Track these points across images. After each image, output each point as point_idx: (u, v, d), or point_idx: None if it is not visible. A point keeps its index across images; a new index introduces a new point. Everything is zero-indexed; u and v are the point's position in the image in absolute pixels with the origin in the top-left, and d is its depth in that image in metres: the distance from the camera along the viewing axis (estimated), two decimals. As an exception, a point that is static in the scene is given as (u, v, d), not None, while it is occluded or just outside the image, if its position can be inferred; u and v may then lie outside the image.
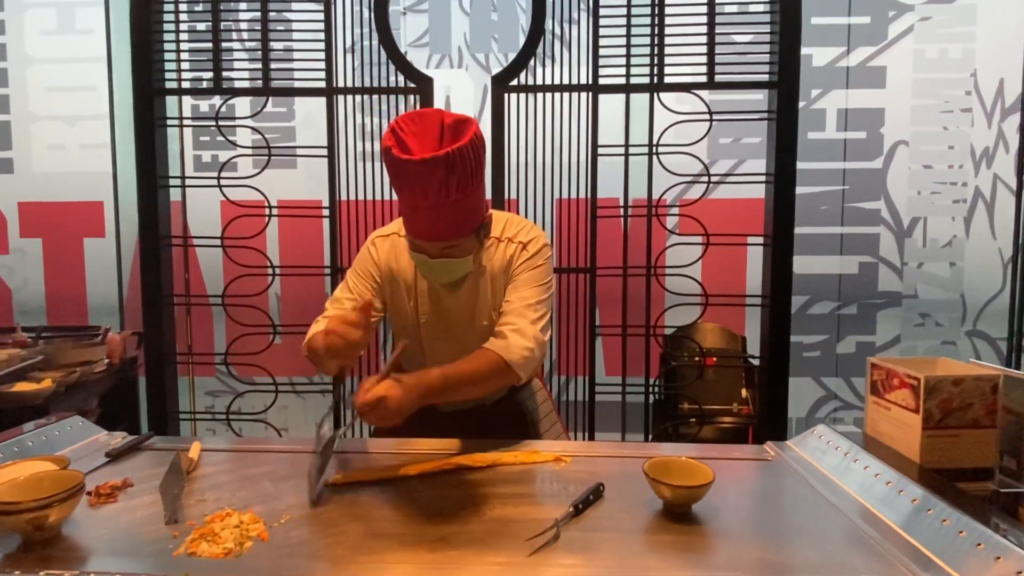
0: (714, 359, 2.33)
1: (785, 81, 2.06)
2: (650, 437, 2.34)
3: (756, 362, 2.32)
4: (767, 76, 2.12)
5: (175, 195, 2.50)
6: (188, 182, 2.35)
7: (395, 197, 2.30)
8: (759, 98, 2.48)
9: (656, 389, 2.38)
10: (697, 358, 2.30)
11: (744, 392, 2.42)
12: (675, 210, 2.53)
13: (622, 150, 2.21)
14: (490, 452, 1.22)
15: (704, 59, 2.12)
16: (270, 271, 2.30)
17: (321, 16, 2.18)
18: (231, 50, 2.32)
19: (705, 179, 2.18)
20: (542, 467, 1.19)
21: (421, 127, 1.10)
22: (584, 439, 2.25)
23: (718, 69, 2.12)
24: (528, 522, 0.95)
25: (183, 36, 2.24)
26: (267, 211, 2.26)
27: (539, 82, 2.20)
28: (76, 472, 0.96)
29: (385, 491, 1.07)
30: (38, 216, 2.74)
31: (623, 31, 2.12)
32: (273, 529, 0.93)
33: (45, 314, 2.76)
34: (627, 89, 2.17)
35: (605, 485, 1.06)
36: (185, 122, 2.53)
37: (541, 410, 1.46)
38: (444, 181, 1.06)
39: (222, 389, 2.73)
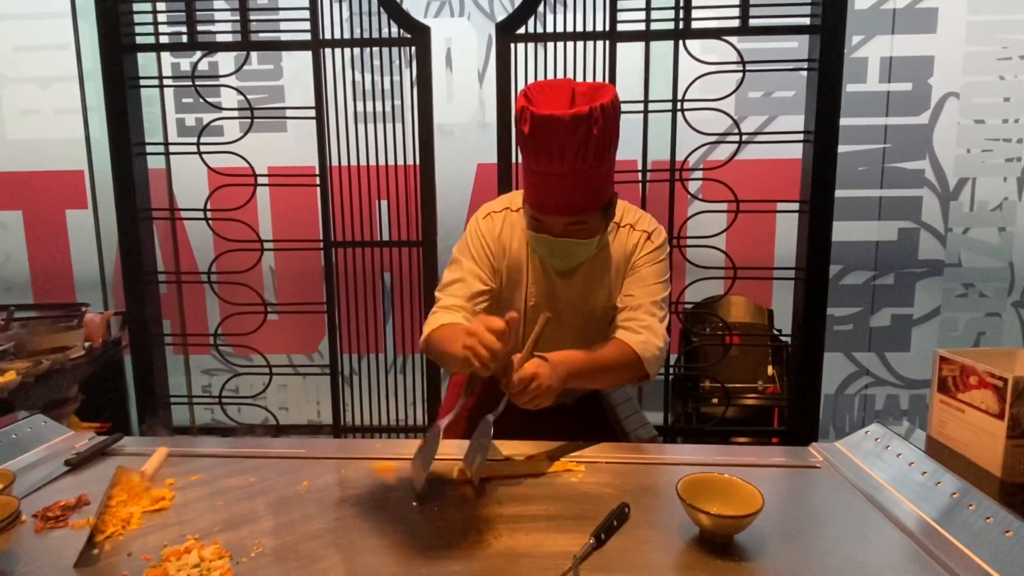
0: (739, 336, 2.15)
1: (829, 25, 1.81)
2: (670, 419, 2.19)
3: (785, 339, 2.15)
4: (808, 20, 1.87)
5: (158, 163, 2.33)
6: (169, 149, 2.17)
7: (392, 163, 2.13)
8: (793, 46, 2.24)
9: (675, 368, 2.22)
10: (721, 333, 2.13)
11: (770, 369, 2.25)
12: (698, 174, 2.32)
13: (641, 106, 1.98)
14: (498, 462, 1.08)
15: (736, 0, 1.87)
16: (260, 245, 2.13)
17: (305, -42, 1.95)
18: (209, -1, 2.10)
19: (735, 138, 1.96)
20: (554, 479, 1.04)
21: (551, 96, 1.04)
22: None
23: (752, 12, 1.87)
24: (541, 557, 0.81)
25: (156, -16, 2.02)
26: (254, 180, 2.07)
27: (549, 30, 1.96)
28: (10, 499, 0.83)
29: (374, 511, 0.93)
30: (16, 187, 2.58)
31: (644, -31, 1.87)
32: (239, 567, 0.79)
33: (31, 291, 2.63)
34: (647, 36, 1.94)
35: (630, 506, 0.91)
36: (161, 82, 2.32)
37: (626, 407, 1.34)
38: (585, 141, 1.00)
39: (219, 367, 2.61)
